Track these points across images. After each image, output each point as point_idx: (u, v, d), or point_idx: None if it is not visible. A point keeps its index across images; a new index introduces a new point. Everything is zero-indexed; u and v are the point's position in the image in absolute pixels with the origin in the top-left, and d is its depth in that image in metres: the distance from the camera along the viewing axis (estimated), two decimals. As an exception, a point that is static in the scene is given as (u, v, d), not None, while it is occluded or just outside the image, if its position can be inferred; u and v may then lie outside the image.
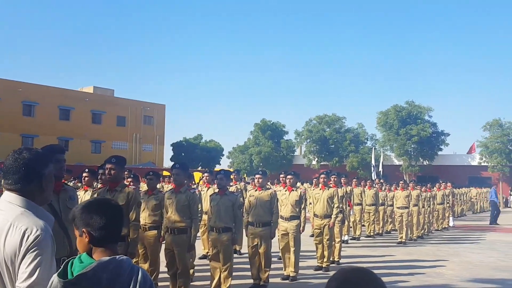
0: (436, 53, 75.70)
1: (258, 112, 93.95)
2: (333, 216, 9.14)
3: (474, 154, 40.20)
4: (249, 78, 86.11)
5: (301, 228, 8.39)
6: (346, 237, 12.70)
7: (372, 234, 14.66)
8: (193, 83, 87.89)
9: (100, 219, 1.98)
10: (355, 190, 14.02)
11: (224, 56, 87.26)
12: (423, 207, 14.94)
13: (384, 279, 6.85)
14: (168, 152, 52.21)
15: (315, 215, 9.30)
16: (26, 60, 75.22)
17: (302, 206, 8.53)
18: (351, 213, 13.42)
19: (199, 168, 45.56)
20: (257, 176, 8.03)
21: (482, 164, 37.92)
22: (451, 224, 18.46)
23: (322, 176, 9.56)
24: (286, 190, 8.62)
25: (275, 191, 8.14)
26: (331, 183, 9.94)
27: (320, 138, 41.90)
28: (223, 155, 52.56)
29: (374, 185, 15.58)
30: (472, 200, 28.64)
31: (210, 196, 7.50)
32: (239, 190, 10.78)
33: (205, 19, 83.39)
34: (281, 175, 11.20)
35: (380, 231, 15.41)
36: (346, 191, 11.78)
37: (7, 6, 68.02)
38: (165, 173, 21.01)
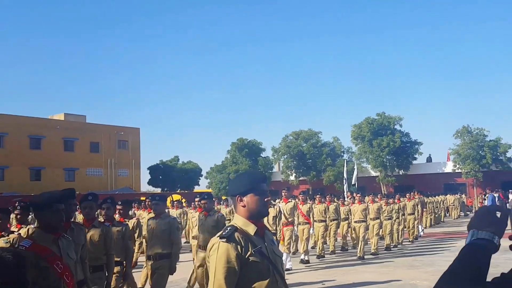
0: (405, 63, 77.16)
1: (235, 131, 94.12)
2: None
3: (448, 162, 40.85)
4: (224, 96, 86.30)
5: None
6: (306, 257, 12.29)
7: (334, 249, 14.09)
8: (167, 105, 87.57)
9: None
10: (318, 207, 13.61)
11: (197, 76, 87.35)
12: (389, 219, 14.59)
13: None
14: (145, 176, 51.58)
15: None
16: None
17: None
18: (311, 231, 12.93)
19: (178, 191, 45.18)
20: (153, 202, 7.06)
21: (456, 171, 38.50)
22: (420, 231, 18.58)
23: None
24: (203, 215, 7.73)
25: (174, 218, 7.39)
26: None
27: (298, 154, 42.13)
28: (201, 175, 52.35)
29: (334, 199, 15.02)
30: (449, 206, 28.95)
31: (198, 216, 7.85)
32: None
33: (177, 38, 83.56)
34: (196, 199, 9.92)
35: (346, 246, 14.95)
36: (280, 210, 10.55)
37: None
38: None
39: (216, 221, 7.39)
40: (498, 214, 1.44)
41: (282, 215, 10.74)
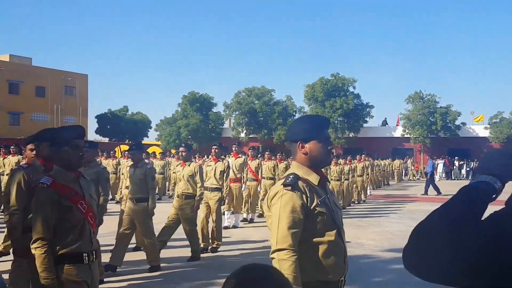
0: (359, 24, 77.34)
1: (186, 84, 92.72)
2: (196, 198, 7.81)
3: (397, 126, 41.71)
4: (177, 48, 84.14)
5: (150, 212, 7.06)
6: (251, 215, 12.00)
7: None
8: (118, 52, 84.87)
9: None
10: (267, 164, 12.99)
11: (150, 24, 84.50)
12: (338, 180, 14.61)
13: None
14: (92, 125, 50.08)
15: (177, 195, 8.00)
16: None
17: (150, 186, 7.12)
18: (258, 189, 12.33)
19: (127, 141, 44.18)
20: (89, 152, 6.55)
21: (405, 136, 39.33)
22: (368, 193, 18.97)
23: (181, 149, 8.20)
24: (132, 167, 7.34)
25: (104, 168, 6.94)
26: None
27: (249, 111, 41.70)
28: (150, 127, 51.55)
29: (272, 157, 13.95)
30: (395, 170, 29.70)
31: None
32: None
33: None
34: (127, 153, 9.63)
35: None
36: (229, 166, 9.62)
37: None
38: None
39: (144, 174, 7.04)
40: None
41: (231, 171, 10.34)
